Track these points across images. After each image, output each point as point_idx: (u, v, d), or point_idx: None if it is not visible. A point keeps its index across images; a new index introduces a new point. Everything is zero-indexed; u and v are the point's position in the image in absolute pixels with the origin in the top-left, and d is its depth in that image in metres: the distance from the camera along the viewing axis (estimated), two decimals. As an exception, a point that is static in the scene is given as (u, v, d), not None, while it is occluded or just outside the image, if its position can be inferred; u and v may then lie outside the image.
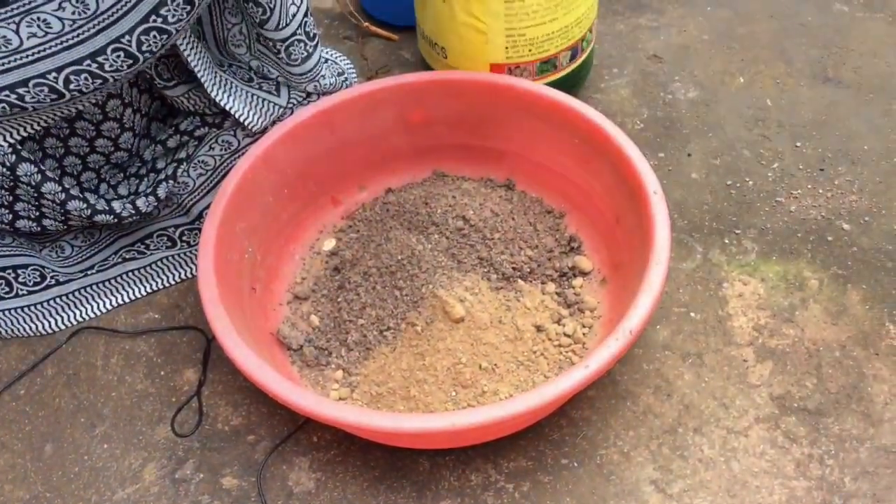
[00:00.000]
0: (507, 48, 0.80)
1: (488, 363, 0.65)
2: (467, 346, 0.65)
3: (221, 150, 0.79)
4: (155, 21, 0.62)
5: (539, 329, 0.68)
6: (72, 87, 0.63)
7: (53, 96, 0.63)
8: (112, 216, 0.74)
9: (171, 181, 0.77)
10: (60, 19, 0.60)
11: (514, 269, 0.72)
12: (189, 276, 0.79)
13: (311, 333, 0.71)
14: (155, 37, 0.63)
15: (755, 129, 0.87)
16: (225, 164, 0.80)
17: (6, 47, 0.60)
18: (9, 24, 0.59)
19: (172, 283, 0.79)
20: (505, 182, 0.80)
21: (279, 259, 0.76)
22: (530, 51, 0.80)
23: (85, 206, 0.72)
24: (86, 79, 0.63)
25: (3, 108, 0.62)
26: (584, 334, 0.68)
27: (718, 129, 0.87)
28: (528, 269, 0.72)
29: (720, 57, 0.95)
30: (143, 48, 0.63)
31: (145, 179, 0.78)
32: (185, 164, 0.77)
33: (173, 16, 0.63)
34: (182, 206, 0.80)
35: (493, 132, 0.79)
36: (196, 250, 0.79)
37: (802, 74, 0.92)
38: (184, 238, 0.80)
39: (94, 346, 0.74)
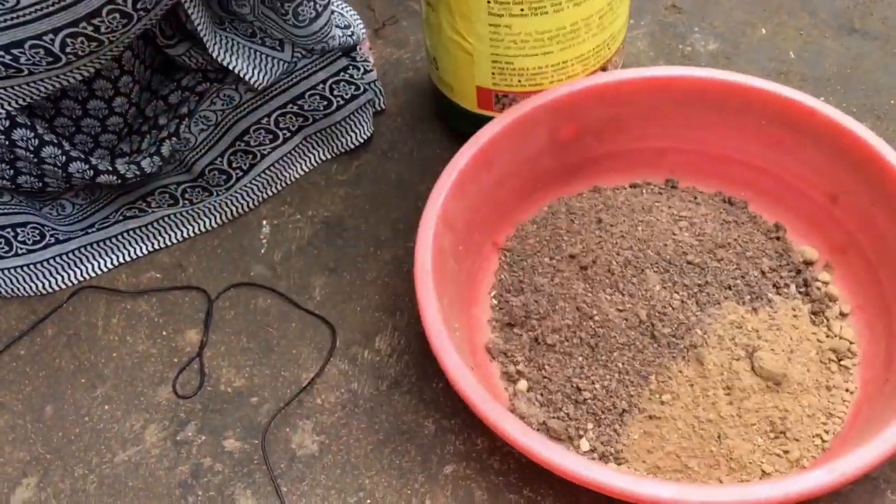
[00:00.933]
0: (493, 74, 0.73)
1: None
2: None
3: (223, 104, 0.77)
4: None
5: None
6: (68, 49, 0.61)
7: (49, 59, 0.61)
8: (116, 177, 0.72)
9: (173, 138, 0.75)
10: None
11: (754, 281, 0.66)
12: (190, 234, 0.77)
13: (541, 406, 0.63)
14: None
15: (778, 80, 0.83)
16: (227, 118, 0.78)
17: (2, 5, 0.57)
18: None
19: (174, 241, 0.77)
20: (665, 182, 0.75)
21: (469, 330, 0.67)
22: (520, 81, 0.73)
23: (87, 167, 0.70)
24: (82, 42, 0.61)
25: None
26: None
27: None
28: (765, 277, 0.67)
29: (742, 7, 0.91)
30: (139, 6, 0.61)
31: (147, 136, 0.76)
32: (186, 119, 0.75)
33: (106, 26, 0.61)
34: (184, 162, 0.78)
35: (650, 132, 0.73)
36: (199, 208, 0.78)
37: (827, 25, 0.89)
38: (186, 196, 0.78)
39: (95, 306, 0.73)
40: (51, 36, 0.60)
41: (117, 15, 0.61)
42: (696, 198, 0.73)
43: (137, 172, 0.73)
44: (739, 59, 0.86)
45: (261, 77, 0.74)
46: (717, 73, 0.71)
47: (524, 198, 0.74)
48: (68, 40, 0.60)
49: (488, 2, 0.67)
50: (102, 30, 0.61)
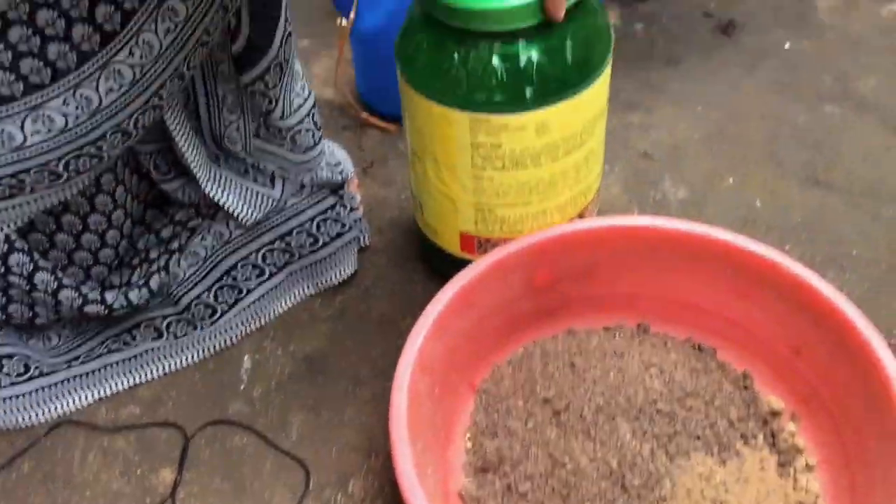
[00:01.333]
0: (476, 221, 0.76)
1: None
2: None
3: (213, 240, 0.79)
4: (153, 101, 0.64)
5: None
6: (70, 168, 0.64)
7: (53, 177, 0.64)
8: (104, 307, 0.74)
9: (163, 272, 0.77)
10: (64, 115, 0.61)
11: (722, 432, 0.67)
12: (173, 368, 0.79)
13: None
14: (149, 114, 0.65)
15: (744, 230, 0.87)
16: (216, 254, 0.80)
17: (10, 143, 0.60)
18: (14, 120, 0.60)
19: (156, 376, 0.78)
20: (637, 326, 0.78)
21: (443, 474, 0.67)
22: (501, 228, 0.76)
23: (77, 295, 0.72)
24: (84, 161, 0.64)
25: (2, 189, 0.63)
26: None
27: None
28: (733, 428, 0.68)
29: (710, 157, 0.96)
30: (139, 124, 0.65)
31: (138, 269, 0.79)
32: (177, 254, 0.78)
33: (168, 92, 0.64)
34: (171, 296, 0.80)
35: (623, 277, 0.76)
36: (183, 342, 0.80)
37: (792, 176, 0.93)
38: (171, 329, 0.80)
39: (73, 441, 0.73)
40: (55, 161, 0.63)
41: (119, 134, 0.64)
42: (666, 343, 0.76)
43: (125, 304, 0.75)
44: (708, 208, 0.90)
45: (250, 213, 0.77)
46: (684, 224, 0.74)
47: (501, 339, 0.76)
48: (72, 161, 0.63)
49: (472, 156, 0.71)
50: (105, 148, 0.64)
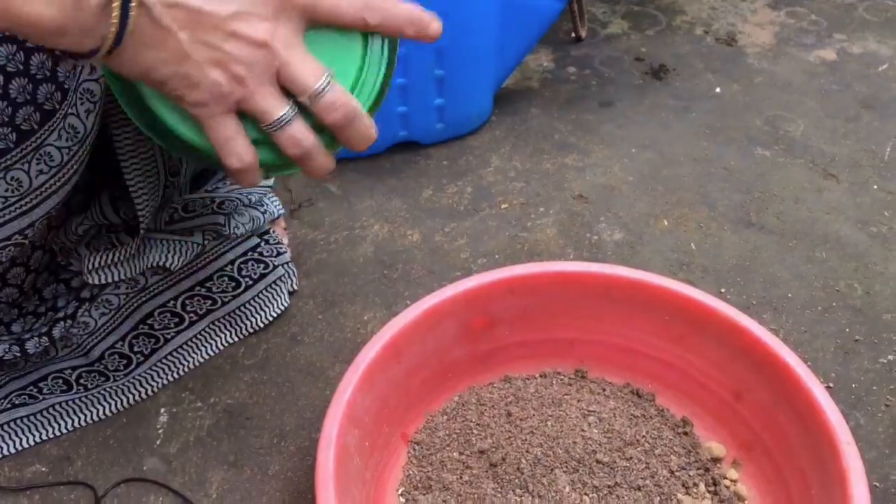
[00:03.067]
0: None
1: None
2: None
3: (128, 287, 0.74)
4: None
5: None
6: None
7: None
8: None
9: (69, 321, 0.72)
10: None
11: (663, 481, 0.65)
12: (82, 423, 0.73)
13: None
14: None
15: (680, 272, 0.86)
16: (130, 302, 0.75)
17: None
18: None
19: (64, 431, 0.73)
20: (575, 372, 0.75)
21: None
22: None
23: None
24: (9, 250, 0.60)
25: None
26: None
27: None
28: (674, 477, 0.66)
29: (645, 199, 0.95)
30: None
31: (42, 318, 0.73)
32: (87, 303, 0.73)
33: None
34: (81, 346, 0.75)
35: (560, 322, 0.74)
36: (94, 394, 0.74)
37: (726, 219, 0.93)
38: (81, 381, 0.75)
39: (-31, 505, 0.67)
40: None
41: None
42: (605, 389, 0.73)
43: (18, 353, 0.69)
44: (643, 250, 0.89)
45: (177, 260, 0.73)
46: (619, 269, 0.72)
47: (435, 387, 0.73)
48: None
49: None
50: (29, 235, 0.61)
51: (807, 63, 1.17)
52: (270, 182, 0.88)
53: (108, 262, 0.69)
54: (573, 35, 1.20)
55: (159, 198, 0.70)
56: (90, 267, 0.68)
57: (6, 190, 0.57)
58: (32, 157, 0.57)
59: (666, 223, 0.92)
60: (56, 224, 0.71)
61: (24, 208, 0.59)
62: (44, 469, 0.70)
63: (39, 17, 0.43)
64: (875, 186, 0.97)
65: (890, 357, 0.79)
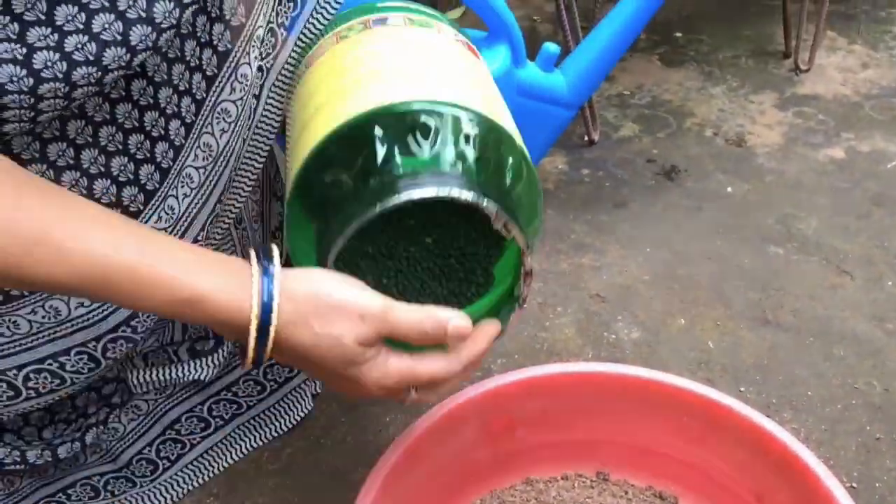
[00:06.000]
0: None
1: None
2: None
3: (156, 393, 0.76)
4: (124, 331, 0.63)
5: None
6: (30, 384, 0.63)
7: (10, 393, 0.63)
8: (23, 465, 0.69)
9: (101, 426, 0.74)
10: (30, 322, 0.60)
11: None
12: (109, 531, 0.74)
13: None
14: (122, 345, 0.63)
15: (699, 371, 0.87)
16: (159, 407, 0.77)
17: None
18: None
19: (89, 540, 0.73)
20: (597, 474, 0.76)
21: None
22: None
23: None
24: (45, 377, 0.63)
25: None
26: None
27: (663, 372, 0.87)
28: None
29: (661, 298, 0.97)
30: (108, 354, 0.63)
31: (73, 424, 0.75)
32: (117, 409, 0.75)
33: (142, 326, 0.63)
34: (110, 452, 0.76)
35: (580, 423, 0.75)
36: (120, 500, 0.75)
37: (742, 317, 0.94)
38: (108, 487, 0.76)
39: None
40: (14, 371, 0.62)
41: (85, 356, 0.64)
42: (627, 492, 0.73)
43: (50, 458, 0.71)
44: (661, 349, 0.90)
45: (207, 373, 0.75)
46: (636, 370, 0.74)
47: (456, 492, 0.73)
48: (31, 375, 0.63)
49: None
50: (68, 367, 0.63)
51: (816, 162, 1.20)
52: None
53: (158, 376, 0.71)
54: (586, 138, 1.25)
55: None
56: (141, 380, 0.71)
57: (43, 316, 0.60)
58: None
59: (683, 322, 0.94)
60: None
61: None
62: (70, 577, 0.71)
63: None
64: (889, 283, 0.98)
65: (913, 456, 0.78)
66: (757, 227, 1.07)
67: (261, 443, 0.81)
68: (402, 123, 0.53)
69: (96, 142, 0.57)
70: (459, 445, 0.72)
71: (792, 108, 1.33)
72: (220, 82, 0.59)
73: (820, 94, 1.36)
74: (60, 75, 0.50)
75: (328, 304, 0.51)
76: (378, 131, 0.53)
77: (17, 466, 0.69)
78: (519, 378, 0.73)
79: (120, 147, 0.58)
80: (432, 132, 0.53)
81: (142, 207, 0.60)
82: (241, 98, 0.60)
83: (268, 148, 0.66)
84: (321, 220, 0.55)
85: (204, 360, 0.76)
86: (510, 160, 0.55)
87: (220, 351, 0.74)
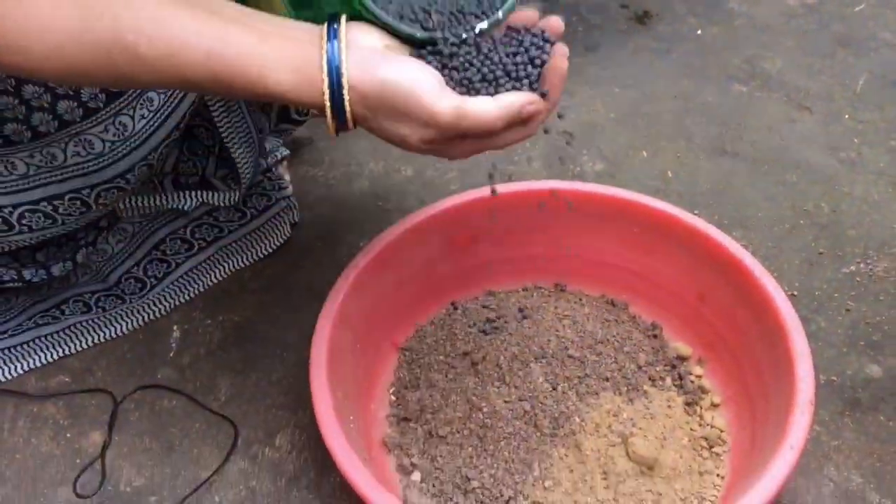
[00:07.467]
0: None
1: None
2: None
3: (141, 218, 0.81)
4: (118, 182, 0.68)
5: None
6: (24, 221, 0.68)
7: (4, 227, 0.68)
8: (21, 283, 0.74)
9: (90, 247, 0.78)
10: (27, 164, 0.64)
11: (631, 374, 0.71)
12: (101, 340, 0.80)
13: (433, 497, 0.65)
14: (114, 193, 0.68)
15: (657, 196, 0.91)
16: (144, 229, 0.82)
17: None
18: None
19: (85, 347, 0.79)
20: (555, 286, 0.81)
21: (367, 424, 0.70)
22: None
23: None
24: (38, 217, 0.67)
25: None
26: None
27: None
28: (641, 371, 0.72)
29: (625, 133, 1.01)
30: (100, 201, 0.68)
31: (64, 247, 0.80)
32: (105, 231, 0.79)
33: (135, 178, 0.68)
34: (100, 272, 0.81)
35: (539, 239, 0.79)
36: (111, 314, 0.81)
37: (701, 149, 0.98)
38: (99, 304, 0.81)
39: (2, 409, 0.74)
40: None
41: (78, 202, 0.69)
42: (581, 299, 0.79)
43: (45, 276, 0.76)
44: (623, 177, 0.94)
45: (189, 203, 0.80)
46: (589, 186, 0.78)
47: (422, 300, 0.79)
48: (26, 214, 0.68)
49: None
50: (60, 210, 0.69)
51: (786, 5, 1.21)
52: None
53: (143, 202, 0.77)
54: (562, -14, 1.25)
55: (256, 150, 0.78)
56: (126, 205, 0.77)
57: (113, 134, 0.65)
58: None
59: (645, 154, 0.98)
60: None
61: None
62: (67, 379, 0.77)
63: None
64: (846, 116, 1.02)
65: (852, 267, 0.84)
66: (723, 66, 1.10)
67: (242, 265, 0.87)
68: None
69: None
70: (425, 257, 0.77)
71: (768, -46, 1.33)
72: None
73: (796, -60, 1.35)
74: None
75: (394, 105, 0.51)
76: None
77: (15, 284, 0.74)
78: (478, 196, 0.78)
79: None
80: None
81: None
82: None
83: None
84: None
85: (187, 192, 0.80)
86: None
87: (204, 191, 0.79)
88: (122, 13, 0.48)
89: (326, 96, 0.51)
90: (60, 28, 0.47)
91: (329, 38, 0.51)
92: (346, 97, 0.51)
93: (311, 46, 0.51)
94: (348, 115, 0.52)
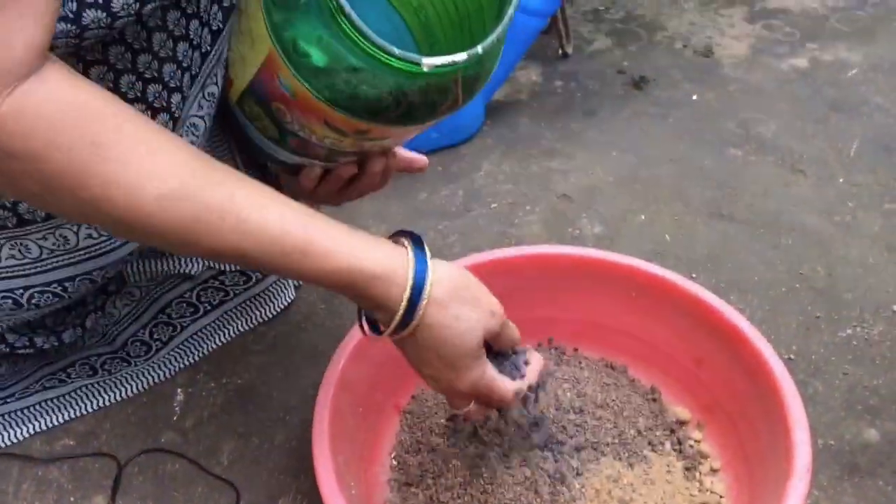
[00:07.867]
0: None
1: None
2: None
3: (148, 281, 0.82)
4: (127, 258, 0.69)
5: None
6: (33, 301, 0.68)
7: (14, 307, 0.68)
8: (32, 350, 0.76)
9: (98, 312, 0.80)
10: (40, 247, 0.65)
11: (630, 439, 0.72)
12: (107, 403, 0.81)
13: None
14: (120, 266, 0.71)
15: (655, 260, 0.92)
16: (151, 293, 0.83)
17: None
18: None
19: (90, 410, 0.80)
20: (554, 349, 0.82)
21: (368, 489, 0.70)
22: None
23: (2, 345, 0.74)
24: (48, 297, 0.68)
25: None
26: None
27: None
28: (641, 436, 0.73)
29: (623, 197, 1.03)
30: (107, 275, 0.70)
31: (73, 311, 0.81)
32: (113, 296, 0.80)
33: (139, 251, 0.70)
34: (107, 335, 0.83)
35: (539, 302, 0.80)
36: (117, 377, 0.82)
37: (698, 212, 1.00)
38: (105, 367, 0.82)
39: (8, 472, 0.75)
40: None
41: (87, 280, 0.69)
42: (580, 362, 0.80)
43: (56, 343, 0.77)
44: (621, 241, 0.96)
45: (196, 268, 0.81)
46: (589, 251, 0.80)
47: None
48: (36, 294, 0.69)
49: None
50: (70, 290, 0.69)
51: (780, 71, 1.24)
52: None
53: (150, 268, 0.78)
54: (560, 52, 1.29)
55: None
56: (134, 270, 0.78)
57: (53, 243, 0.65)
58: None
59: (643, 217, 0.99)
60: None
61: None
62: (72, 443, 0.77)
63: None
64: (841, 180, 1.04)
65: (849, 331, 0.85)
66: (718, 131, 1.13)
67: (246, 328, 0.88)
68: None
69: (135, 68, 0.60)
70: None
71: (760, 21, 1.37)
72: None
73: (788, 7, 1.39)
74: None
75: (467, 294, 0.58)
76: None
77: (27, 350, 0.76)
78: (483, 259, 0.79)
79: (156, 75, 0.61)
80: None
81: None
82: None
83: None
84: None
85: (193, 256, 0.82)
86: None
87: None
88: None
89: (410, 273, 0.55)
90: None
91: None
92: (429, 280, 0.56)
93: (394, 245, 0.57)
94: (425, 296, 0.56)
